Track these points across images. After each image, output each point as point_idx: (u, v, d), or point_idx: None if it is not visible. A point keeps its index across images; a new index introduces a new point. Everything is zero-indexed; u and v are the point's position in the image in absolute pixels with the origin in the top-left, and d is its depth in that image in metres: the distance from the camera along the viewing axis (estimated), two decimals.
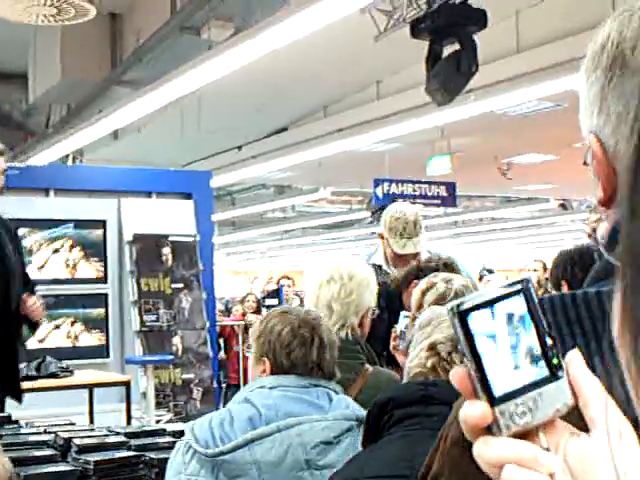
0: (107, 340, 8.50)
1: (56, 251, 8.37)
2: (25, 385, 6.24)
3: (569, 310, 0.87)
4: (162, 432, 3.39)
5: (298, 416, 2.59)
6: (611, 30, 0.96)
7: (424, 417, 2.09)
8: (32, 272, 8.19)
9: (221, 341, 11.71)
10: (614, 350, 0.80)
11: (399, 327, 3.67)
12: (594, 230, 5.43)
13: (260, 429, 2.54)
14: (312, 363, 2.72)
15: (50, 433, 3.23)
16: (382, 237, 4.90)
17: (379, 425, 2.20)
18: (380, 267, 4.86)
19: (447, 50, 6.28)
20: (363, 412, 2.66)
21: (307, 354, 2.72)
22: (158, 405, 7.95)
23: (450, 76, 6.20)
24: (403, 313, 3.78)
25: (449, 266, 4.38)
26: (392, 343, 3.70)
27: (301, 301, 13.25)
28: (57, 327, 8.34)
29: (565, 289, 3.70)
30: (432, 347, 2.21)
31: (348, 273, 3.45)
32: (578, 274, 3.86)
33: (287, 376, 2.70)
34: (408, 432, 2.10)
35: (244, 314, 12.60)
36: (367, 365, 3.35)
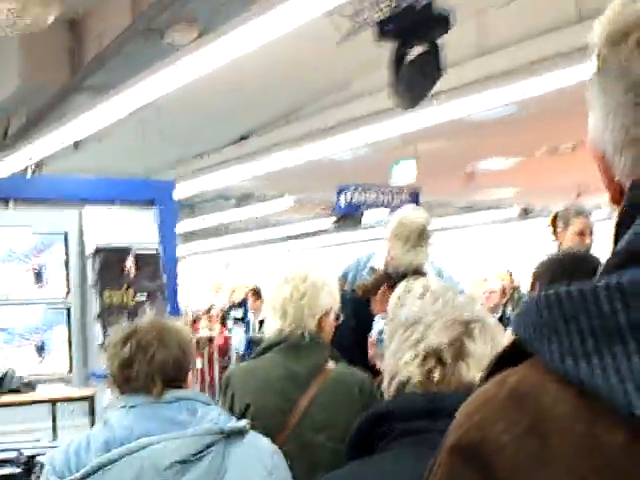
0: (70, 355, 8.34)
1: (16, 263, 8.22)
2: None
3: (564, 306, 0.82)
4: None
5: (155, 435, 2.47)
6: (604, 19, 0.89)
7: (434, 432, 1.87)
8: None
9: None
10: (612, 348, 0.78)
11: (375, 333, 3.55)
12: (583, 234, 5.38)
13: (109, 454, 2.43)
14: (118, 380, 2.64)
15: (14, 450, 3.13)
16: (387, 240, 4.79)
17: (370, 437, 2.04)
18: (376, 271, 4.77)
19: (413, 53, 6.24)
20: (232, 424, 2.59)
21: (113, 369, 2.64)
22: None
23: (415, 80, 6.15)
24: (379, 316, 3.66)
25: (419, 272, 4.30)
26: (370, 352, 3.59)
27: None
28: (18, 342, 8.18)
29: None
30: (433, 354, 2.03)
31: (301, 275, 3.39)
32: None
33: (143, 394, 2.59)
34: (416, 447, 1.91)
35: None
36: (330, 362, 3.30)
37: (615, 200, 0.92)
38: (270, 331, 3.36)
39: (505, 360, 0.91)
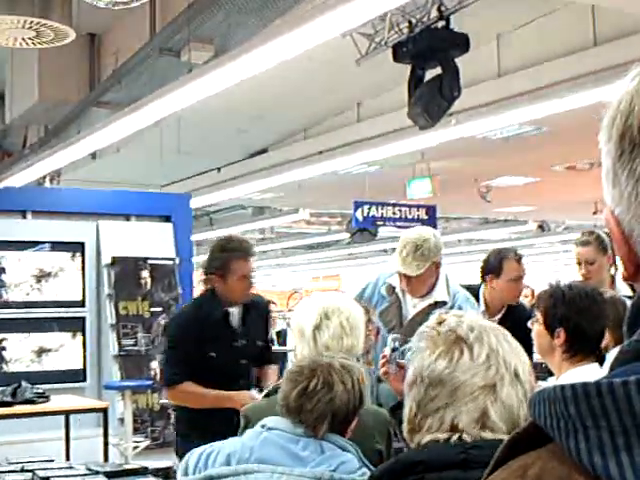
0: (84, 364, 8.40)
1: (35, 274, 8.28)
2: (0, 411, 6.17)
3: (593, 401, 0.79)
4: (143, 471, 3.30)
5: (270, 463, 2.46)
6: (622, 98, 0.86)
7: None
8: (10, 294, 8.13)
9: None
10: None
11: (388, 350, 3.55)
12: (580, 263, 5.39)
13: (219, 468, 2.47)
14: (290, 408, 2.59)
15: (28, 471, 3.14)
16: None
17: None
18: (394, 289, 4.83)
19: (429, 74, 6.27)
20: (349, 476, 2.49)
21: (288, 397, 2.60)
22: (135, 431, 7.85)
23: (432, 100, 6.18)
24: (391, 335, 3.68)
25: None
26: (381, 369, 3.58)
27: (288, 324, 13.11)
28: (34, 351, 8.24)
29: (562, 337, 3.39)
30: (454, 428, 1.92)
31: (344, 312, 3.31)
32: (586, 328, 3.28)
33: (287, 420, 2.58)
34: None
35: None
36: None
37: (632, 277, 0.89)
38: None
39: (519, 444, 0.87)
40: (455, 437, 1.92)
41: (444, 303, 4.64)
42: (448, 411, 1.93)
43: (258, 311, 5.08)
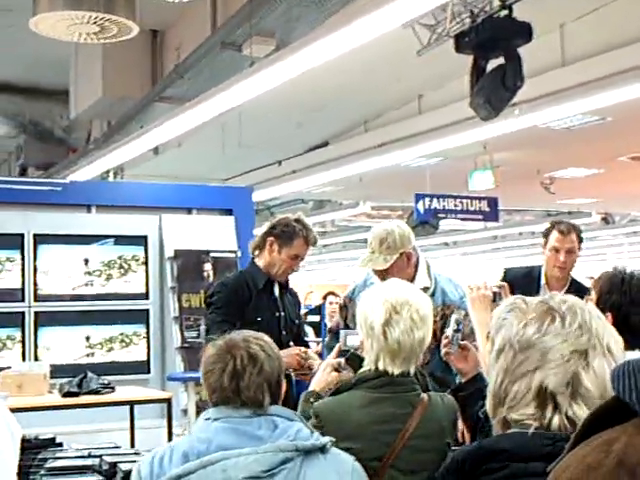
0: (148, 356, 8.49)
1: (99, 267, 8.39)
2: (67, 401, 6.26)
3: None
4: None
5: (231, 449, 2.45)
6: None
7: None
8: (76, 288, 8.25)
9: None
10: None
11: (449, 331, 3.53)
12: None
13: (185, 466, 2.43)
14: (226, 391, 2.57)
15: (95, 457, 3.18)
16: None
17: (477, 468, 1.90)
18: None
19: (491, 64, 6.22)
20: (309, 442, 2.52)
21: (220, 381, 2.58)
22: None
23: (495, 91, 6.13)
24: (454, 316, 3.64)
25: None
26: (443, 349, 3.55)
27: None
28: (99, 343, 8.34)
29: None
30: (548, 395, 1.86)
31: (414, 307, 3.17)
32: (635, 321, 3.13)
33: (229, 407, 2.57)
34: None
35: None
36: (423, 395, 3.17)
37: None
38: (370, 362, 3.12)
39: (600, 420, 0.87)
40: (539, 417, 1.85)
41: (426, 289, 4.50)
42: (537, 374, 1.88)
43: (292, 295, 5.20)
